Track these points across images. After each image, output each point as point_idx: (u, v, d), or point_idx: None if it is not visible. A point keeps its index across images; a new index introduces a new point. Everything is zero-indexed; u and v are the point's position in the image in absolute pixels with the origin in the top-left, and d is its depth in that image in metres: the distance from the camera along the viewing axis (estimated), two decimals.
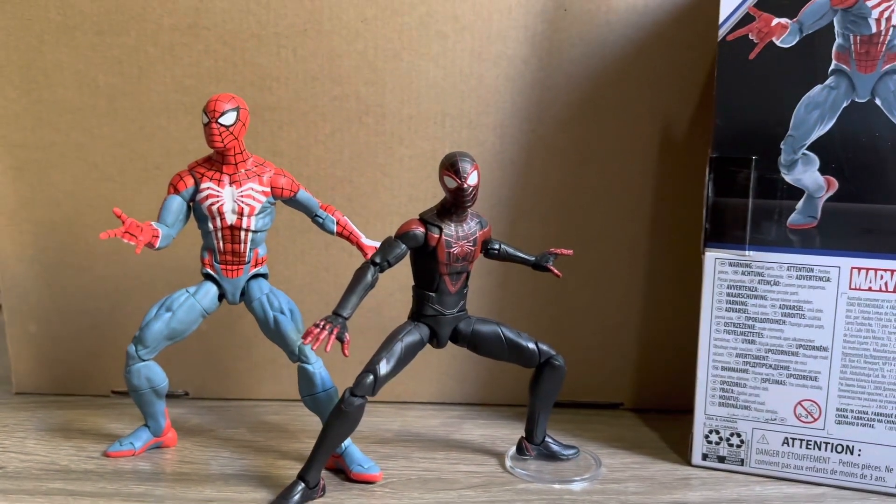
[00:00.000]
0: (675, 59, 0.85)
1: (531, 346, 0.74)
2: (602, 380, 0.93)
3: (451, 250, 0.70)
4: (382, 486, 0.73)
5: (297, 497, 0.68)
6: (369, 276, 0.68)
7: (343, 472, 0.74)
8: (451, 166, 0.68)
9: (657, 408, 0.93)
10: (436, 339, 0.73)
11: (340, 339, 0.64)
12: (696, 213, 0.87)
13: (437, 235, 0.69)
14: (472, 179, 0.68)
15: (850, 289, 0.71)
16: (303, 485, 0.68)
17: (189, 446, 0.80)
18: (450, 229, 0.70)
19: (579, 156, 0.88)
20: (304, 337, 0.64)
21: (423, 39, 0.84)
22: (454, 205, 0.69)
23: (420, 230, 0.69)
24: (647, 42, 0.84)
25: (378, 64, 0.85)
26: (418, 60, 0.85)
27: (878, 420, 0.72)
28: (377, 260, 0.68)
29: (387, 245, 0.69)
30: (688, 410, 0.92)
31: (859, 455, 0.73)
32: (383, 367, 0.69)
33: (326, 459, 0.69)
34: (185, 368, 0.93)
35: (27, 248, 0.90)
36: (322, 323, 0.65)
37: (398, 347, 0.70)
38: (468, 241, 0.71)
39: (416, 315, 0.73)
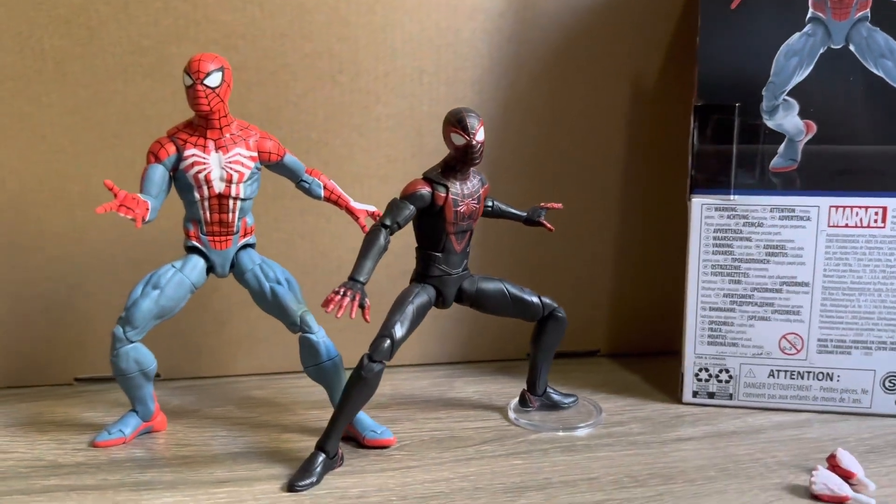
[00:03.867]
0: (644, 10, 0.86)
1: (535, 300, 0.75)
2: (579, 329, 0.95)
3: (458, 209, 0.69)
4: (398, 449, 0.72)
5: (318, 468, 0.66)
6: (382, 239, 0.66)
7: (355, 440, 0.73)
8: (458, 122, 0.66)
9: (632, 352, 0.97)
10: (441, 299, 0.72)
11: (361, 304, 0.63)
12: (666, 161, 0.90)
13: (443, 194, 0.68)
14: (480, 135, 0.67)
15: (829, 226, 0.76)
16: (323, 455, 0.66)
17: (181, 429, 0.77)
18: (455, 188, 0.69)
19: (553, 110, 0.88)
20: (325, 305, 0.62)
21: None
22: (462, 162, 0.68)
23: (426, 190, 0.68)
24: None
25: (351, 18, 0.82)
26: (393, 14, 0.82)
27: (855, 347, 0.77)
28: (387, 222, 0.67)
29: (395, 207, 0.67)
30: (663, 352, 0.96)
31: (838, 381, 0.78)
32: (398, 331, 0.67)
33: (344, 428, 0.67)
34: (155, 349, 0.87)
35: None
36: (342, 289, 0.63)
37: (410, 310, 0.69)
38: (473, 199, 0.70)
39: (422, 276, 0.71)
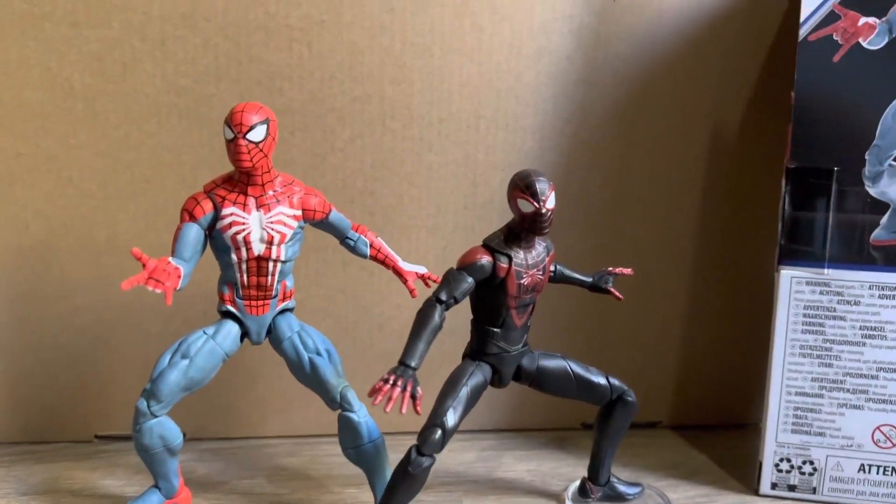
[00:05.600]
0: (727, 56, 0.78)
1: (602, 381, 0.67)
2: (641, 398, 0.87)
3: (522, 281, 0.61)
4: None
5: None
6: (436, 317, 0.59)
7: None
8: (526, 188, 0.59)
9: (698, 425, 0.88)
10: (497, 378, 0.65)
11: (413, 395, 0.55)
12: (747, 222, 0.82)
13: (506, 265, 0.61)
14: (550, 202, 0.59)
15: None
16: None
17: None
18: (519, 257, 0.61)
19: (623, 161, 0.80)
20: (372, 394, 0.55)
21: (456, 33, 0.75)
22: (528, 231, 0.60)
23: (487, 259, 0.61)
24: (700, 36, 0.77)
25: (405, 60, 0.75)
26: (451, 56, 0.75)
27: None
28: (443, 297, 0.59)
29: (451, 279, 0.60)
30: (733, 426, 0.88)
31: None
32: (451, 419, 0.60)
33: None
34: (182, 406, 0.80)
35: None
36: (391, 377, 0.55)
37: (464, 393, 0.62)
38: (538, 270, 0.62)
39: (477, 353, 0.64)
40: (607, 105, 0.79)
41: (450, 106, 0.77)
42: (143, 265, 0.56)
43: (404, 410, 0.54)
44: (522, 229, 0.61)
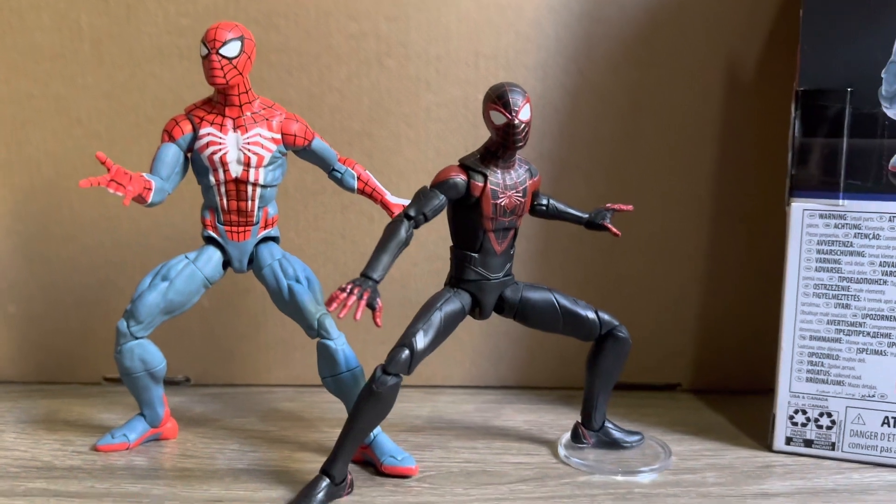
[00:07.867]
0: None
1: (590, 315, 0.64)
2: (658, 359, 0.83)
3: (498, 202, 0.59)
4: (419, 480, 0.62)
5: (320, 495, 0.57)
6: (403, 232, 0.57)
7: (372, 465, 0.64)
8: (498, 98, 0.57)
9: (720, 389, 0.83)
10: (478, 308, 0.62)
11: (371, 305, 0.54)
12: (769, 165, 0.77)
13: (481, 184, 0.58)
14: (524, 114, 0.57)
15: None
16: (327, 481, 0.57)
17: (191, 438, 0.70)
18: (496, 177, 0.59)
19: (633, 101, 0.77)
20: (329, 303, 0.53)
21: None
22: (503, 146, 0.58)
23: (461, 178, 0.58)
24: None
25: None
26: None
27: None
28: (411, 213, 0.58)
29: (422, 195, 0.58)
30: (757, 391, 0.82)
31: None
32: (420, 341, 0.58)
33: (354, 450, 0.58)
34: (186, 351, 0.83)
35: (3, 218, 0.80)
36: (349, 286, 0.54)
37: (437, 317, 0.59)
38: (517, 192, 0.60)
39: (456, 280, 0.62)
40: (614, 42, 0.75)
41: (447, 43, 0.75)
42: (108, 168, 0.56)
43: (359, 316, 0.52)
44: (498, 146, 0.58)
